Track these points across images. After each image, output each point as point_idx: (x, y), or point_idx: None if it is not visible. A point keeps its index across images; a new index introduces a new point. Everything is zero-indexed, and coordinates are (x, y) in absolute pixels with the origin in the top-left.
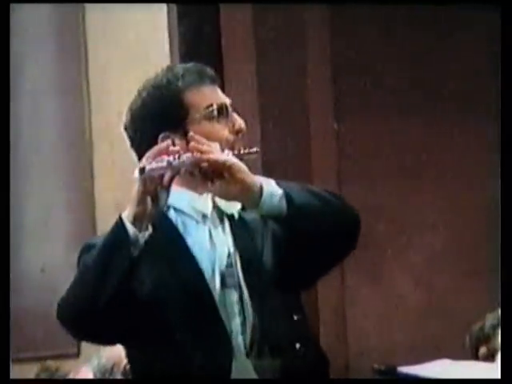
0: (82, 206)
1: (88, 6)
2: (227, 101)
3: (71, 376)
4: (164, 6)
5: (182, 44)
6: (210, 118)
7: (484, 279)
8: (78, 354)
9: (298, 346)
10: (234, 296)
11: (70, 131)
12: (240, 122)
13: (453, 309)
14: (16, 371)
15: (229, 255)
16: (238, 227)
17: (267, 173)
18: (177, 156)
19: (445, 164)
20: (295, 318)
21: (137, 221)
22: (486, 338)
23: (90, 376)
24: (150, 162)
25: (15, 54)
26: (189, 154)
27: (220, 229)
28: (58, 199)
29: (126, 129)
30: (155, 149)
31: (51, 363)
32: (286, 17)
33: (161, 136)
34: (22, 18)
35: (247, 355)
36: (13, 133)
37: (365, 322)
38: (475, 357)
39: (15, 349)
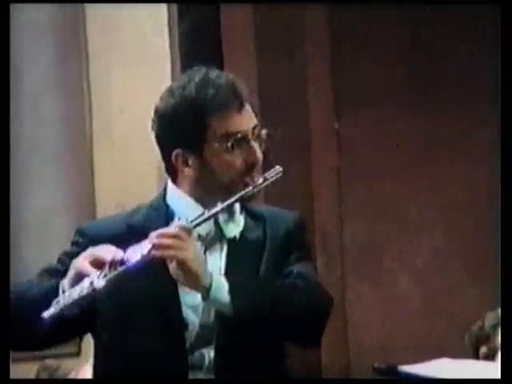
0: (83, 206)
1: (88, 5)
2: (250, 127)
3: (71, 375)
4: (164, 6)
5: (182, 44)
6: (226, 148)
7: (484, 279)
8: (78, 353)
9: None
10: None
11: (71, 131)
12: (256, 156)
13: (453, 308)
14: (16, 371)
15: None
16: (236, 250)
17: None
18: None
19: (445, 164)
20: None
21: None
22: (485, 338)
23: (91, 375)
24: (71, 284)
25: (15, 54)
26: (142, 252)
27: (217, 250)
28: (59, 199)
29: (153, 122)
30: (77, 271)
31: (51, 362)
32: (287, 16)
33: (174, 153)
34: (22, 17)
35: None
36: (13, 133)
37: (365, 322)
38: (475, 356)
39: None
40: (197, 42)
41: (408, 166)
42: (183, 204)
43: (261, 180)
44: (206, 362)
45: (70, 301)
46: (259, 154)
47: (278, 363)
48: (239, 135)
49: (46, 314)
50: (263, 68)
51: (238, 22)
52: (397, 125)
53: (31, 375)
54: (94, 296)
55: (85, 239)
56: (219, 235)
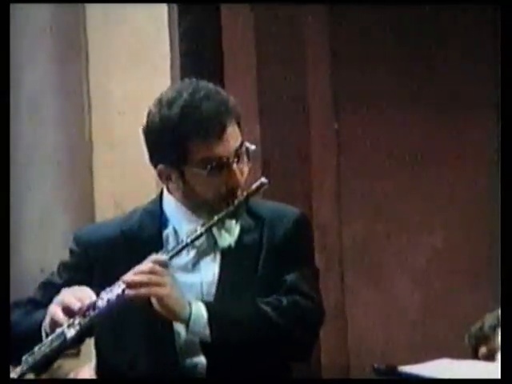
0: (82, 207)
1: (88, 5)
2: (232, 151)
3: (71, 375)
4: (165, 6)
5: (182, 44)
6: (206, 172)
7: (483, 280)
8: (78, 354)
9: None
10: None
11: (70, 132)
12: (237, 180)
13: (452, 309)
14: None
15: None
16: (230, 259)
17: (267, 172)
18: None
19: (445, 164)
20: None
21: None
22: (485, 339)
23: (91, 375)
24: (50, 328)
25: (15, 55)
26: (116, 293)
27: (211, 259)
28: (58, 199)
29: (142, 132)
30: (51, 318)
31: None
32: (287, 17)
33: (158, 167)
34: (22, 18)
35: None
36: (13, 134)
37: (365, 322)
38: (475, 357)
39: None
40: (197, 43)
41: (407, 165)
42: (176, 211)
43: (241, 197)
44: (198, 370)
45: (40, 355)
46: (239, 178)
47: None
48: (219, 160)
49: (27, 360)
50: (263, 68)
51: (238, 23)
52: (396, 125)
53: (31, 375)
54: (65, 346)
55: (80, 247)
56: (212, 245)
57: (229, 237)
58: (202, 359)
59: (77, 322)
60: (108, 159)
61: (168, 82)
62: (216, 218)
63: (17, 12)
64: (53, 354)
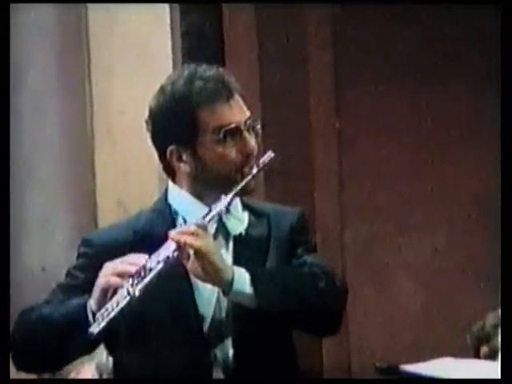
0: (84, 206)
1: (90, 5)
2: (242, 119)
3: (72, 375)
4: (166, 6)
5: (184, 44)
6: (218, 141)
7: (485, 279)
8: None
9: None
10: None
11: (72, 131)
12: (251, 145)
13: (454, 308)
14: (15, 371)
15: None
16: (242, 247)
17: (269, 173)
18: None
19: (447, 164)
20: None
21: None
22: (486, 338)
23: (93, 375)
24: (99, 304)
25: (17, 55)
26: (169, 250)
27: (223, 248)
28: (60, 198)
29: (146, 123)
30: (104, 287)
31: None
32: (289, 16)
33: (169, 149)
34: (24, 17)
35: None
36: (15, 133)
37: (366, 321)
38: (477, 356)
39: None
40: (199, 42)
41: (410, 165)
42: (184, 202)
43: (255, 169)
44: (220, 359)
45: (113, 314)
46: (253, 144)
47: (291, 361)
48: (231, 126)
49: (94, 329)
50: (265, 68)
51: (240, 22)
52: (399, 124)
53: (32, 375)
54: (132, 306)
55: (93, 249)
56: (224, 233)
57: (240, 225)
58: (229, 348)
59: (135, 282)
60: (110, 158)
61: None
62: (238, 186)
63: (20, 12)
64: (121, 314)
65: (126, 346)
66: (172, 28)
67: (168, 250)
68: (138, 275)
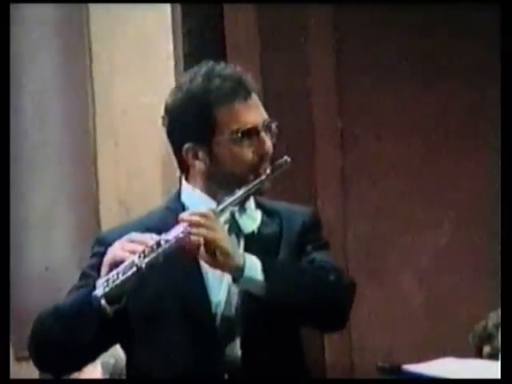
0: (86, 205)
1: (92, 5)
2: (259, 119)
3: (74, 375)
4: (168, 6)
5: (185, 44)
6: (235, 140)
7: (488, 278)
8: None
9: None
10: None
11: (74, 131)
12: (267, 146)
13: (456, 308)
14: (16, 371)
15: None
16: (253, 245)
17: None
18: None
19: (450, 163)
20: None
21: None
22: (489, 337)
23: (96, 375)
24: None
25: (19, 54)
26: (177, 232)
27: (235, 244)
28: (62, 197)
29: (163, 119)
30: (107, 261)
31: None
32: (290, 16)
33: (185, 147)
34: (26, 17)
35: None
36: (17, 132)
37: (369, 321)
38: (479, 356)
39: (18, 347)
40: (200, 42)
41: (413, 164)
42: (197, 200)
43: (269, 170)
44: (230, 356)
45: (118, 281)
46: (269, 145)
47: (299, 360)
48: (248, 126)
49: (98, 293)
50: (267, 67)
51: (242, 22)
52: (401, 124)
53: (34, 375)
54: (137, 277)
55: (106, 248)
56: (236, 230)
57: (252, 223)
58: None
59: (143, 256)
60: (112, 157)
61: (172, 82)
62: (253, 183)
63: (21, 11)
64: (126, 284)
65: (137, 339)
66: (174, 28)
67: (177, 231)
68: (146, 251)
